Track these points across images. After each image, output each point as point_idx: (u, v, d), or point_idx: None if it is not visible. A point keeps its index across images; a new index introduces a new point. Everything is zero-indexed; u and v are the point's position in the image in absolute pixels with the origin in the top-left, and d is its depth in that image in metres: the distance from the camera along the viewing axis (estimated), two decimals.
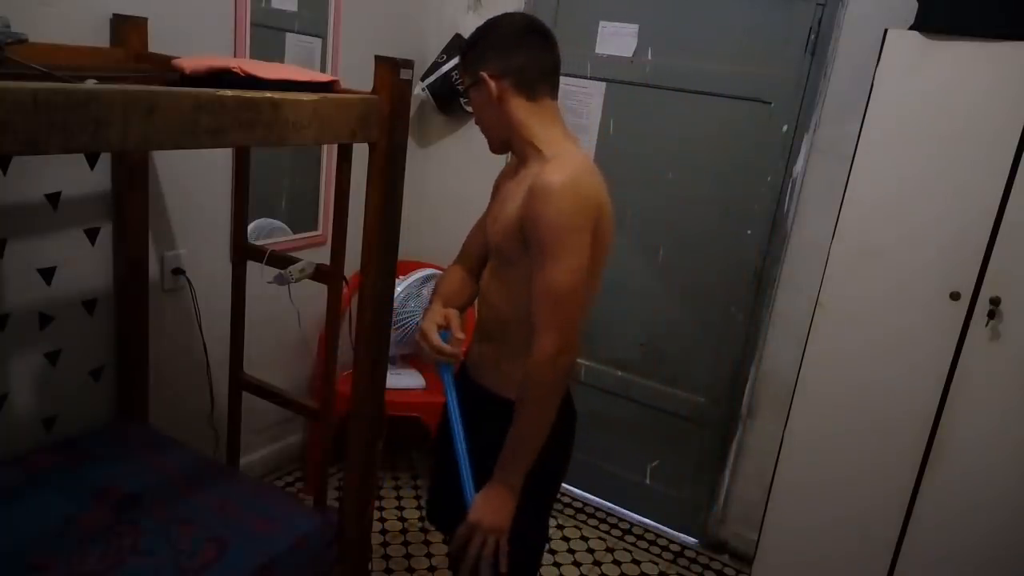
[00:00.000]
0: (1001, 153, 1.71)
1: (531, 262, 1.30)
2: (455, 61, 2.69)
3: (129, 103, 1.01)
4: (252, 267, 1.94)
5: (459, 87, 1.25)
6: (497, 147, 1.46)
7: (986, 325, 1.79)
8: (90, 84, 1.05)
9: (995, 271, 1.76)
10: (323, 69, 2.43)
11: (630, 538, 2.66)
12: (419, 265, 2.75)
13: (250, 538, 1.61)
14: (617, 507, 2.80)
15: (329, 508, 1.88)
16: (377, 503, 2.61)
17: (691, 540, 2.67)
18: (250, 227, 2.17)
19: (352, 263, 1.70)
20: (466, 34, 2.70)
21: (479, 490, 1.38)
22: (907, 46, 1.79)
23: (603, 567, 2.49)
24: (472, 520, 1.35)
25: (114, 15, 1.77)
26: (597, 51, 2.55)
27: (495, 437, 1.37)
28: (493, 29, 1.39)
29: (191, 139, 1.12)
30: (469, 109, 1.86)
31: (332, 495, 2.36)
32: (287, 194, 2.59)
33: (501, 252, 1.41)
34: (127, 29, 1.76)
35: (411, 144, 2.61)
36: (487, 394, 1.47)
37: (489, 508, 1.35)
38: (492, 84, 1.37)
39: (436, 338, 1.45)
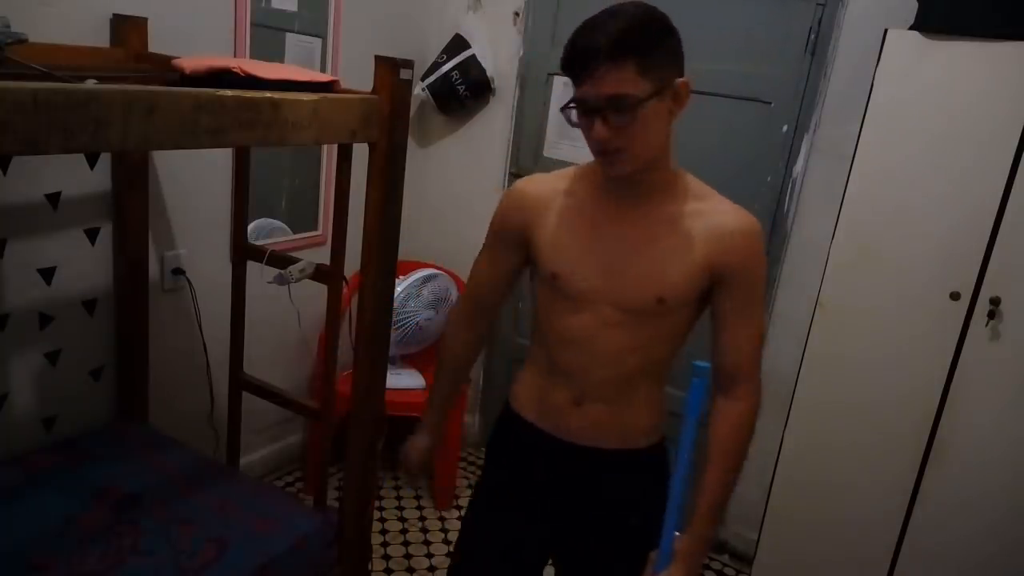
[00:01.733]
0: (1001, 153, 1.71)
1: (724, 304, 1.22)
2: (455, 61, 2.69)
3: (129, 103, 1.01)
4: (252, 267, 1.94)
5: (620, 99, 1.06)
6: (635, 170, 1.15)
7: (986, 325, 1.79)
8: (90, 84, 1.05)
9: (995, 271, 1.76)
10: (323, 69, 2.43)
11: None
12: (419, 265, 2.75)
13: (250, 538, 1.61)
14: None
15: (329, 508, 1.88)
16: (377, 503, 2.61)
17: None
18: (250, 227, 2.17)
19: (352, 263, 1.69)
20: (466, 34, 2.71)
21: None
22: (907, 46, 1.79)
23: None
24: None
25: (114, 15, 1.77)
26: None
27: (632, 492, 1.31)
28: (666, 23, 1.14)
29: (191, 139, 1.12)
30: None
31: (332, 495, 2.36)
32: (287, 194, 2.59)
33: (656, 302, 1.20)
34: (127, 29, 1.76)
35: (411, 144, 2.61)
36: (608, 453, 1.29)
37: (694, 564, 1.23)
38: (686, 94, 1.16)
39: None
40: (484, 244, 1.37)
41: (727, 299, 1.21)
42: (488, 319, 1.43)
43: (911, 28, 1.79)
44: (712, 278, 1.20)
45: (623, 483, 1.30)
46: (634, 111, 1.07)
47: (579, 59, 1.08)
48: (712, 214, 1.21)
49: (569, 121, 1.15)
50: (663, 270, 1.19)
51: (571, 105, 1.13)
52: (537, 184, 1.30)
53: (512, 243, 1.30)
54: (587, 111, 1.10)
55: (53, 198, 1.77)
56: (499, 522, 1.37)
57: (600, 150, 1.12)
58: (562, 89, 2.65)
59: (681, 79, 1.16)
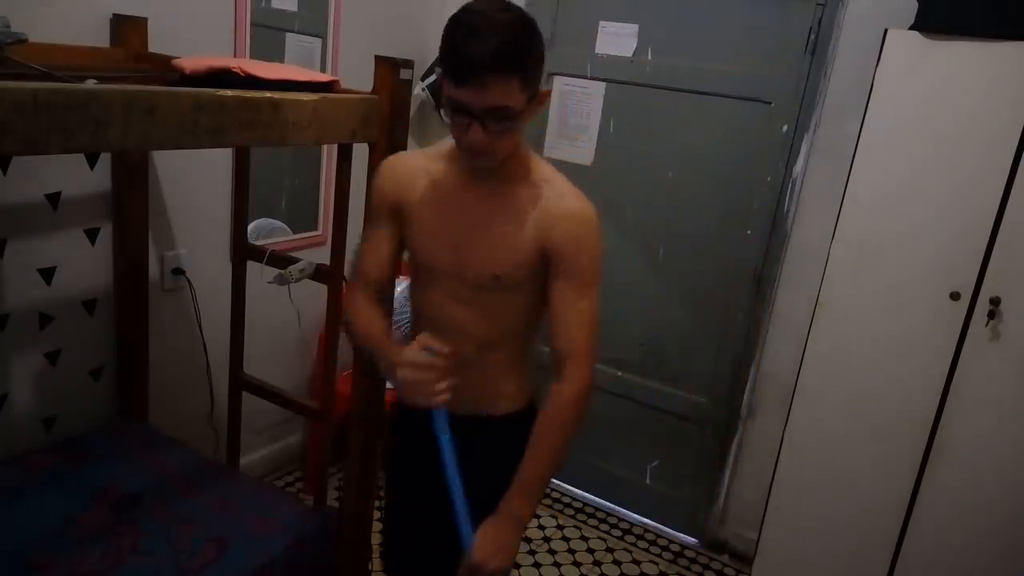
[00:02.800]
0: (1001, 153, 1.71)
1: (554, 287, 1.25)
2: None
3: (129, 103, 1.01)
4: (252, 267, 1.94)
5: (502, 110, 1.13)
6: (499, 165, 1.23)
7: (986, 325, 1.79)
8: (90, 84, 1.05)
9: (995, 271, 1.76)
10: (323, 69, 2.43)
11: (630, 538, 2.66)
12: None
13: (250, 538, 1.61)
14: (617, 507, 2.79)
15: (329, 508, 1.88)
16: (377, 503, 2.61)
17: (691, 540, 2.67)
18: (250, 227, 2.17)
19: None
20: None
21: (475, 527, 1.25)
22: (907, 46, 1.79)
23: (603, 567, 2.49)
24: (478, 560, 1.20)
25: (114, 15, 1.77)
26: (597, 51, 2.55)
27: (493, 454, 1.30)
28: (538, 30, 1.18)
29: (191, 139, 1.12)
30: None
31: (332, 495, 2.36)
32: (287, 194, 2.59)
33: (493, 279, 1.26)
34: (127, 29, 1.76)
35: (411, 144, 2.61)
36: (470, 420, 1.33)
37: (496, 544, 1.22)
38: (547, 99, 1.24)
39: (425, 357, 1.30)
40: (366, 229, 1.37)
41: (557, 282, 1.25)
42: (385, 305, 1.44)
43: (911, 28, 1.78)
44: (544, 260, 1.25)
45: (485, 446, 1.33)
46: (512, 120, 1.15)
47: (464, 67, 1.09)
48: (548, 198, 1.26)
49: (444, 118, 1.18)
50: (498, 249, 1.26)
51: (450, 106, 1.15)
52: (406, 160, 1.36)
53: (392, 218, 1.34)
54: (466, 114, 1.13)
55: (53, 198, 1.77)
56: (407, 485, 1.52)
57: (474, 151, 1.17)
58: (562, 89, 2.65)
59: (546, 88, 1.29)
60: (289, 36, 2.35)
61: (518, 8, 1.15)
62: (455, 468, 1.25)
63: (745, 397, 2.49)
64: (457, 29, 1.09)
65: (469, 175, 1.27)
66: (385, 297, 1.41)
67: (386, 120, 1.49)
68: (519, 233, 1.25)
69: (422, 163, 1.33)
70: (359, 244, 1.38)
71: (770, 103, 2.30)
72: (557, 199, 1.26)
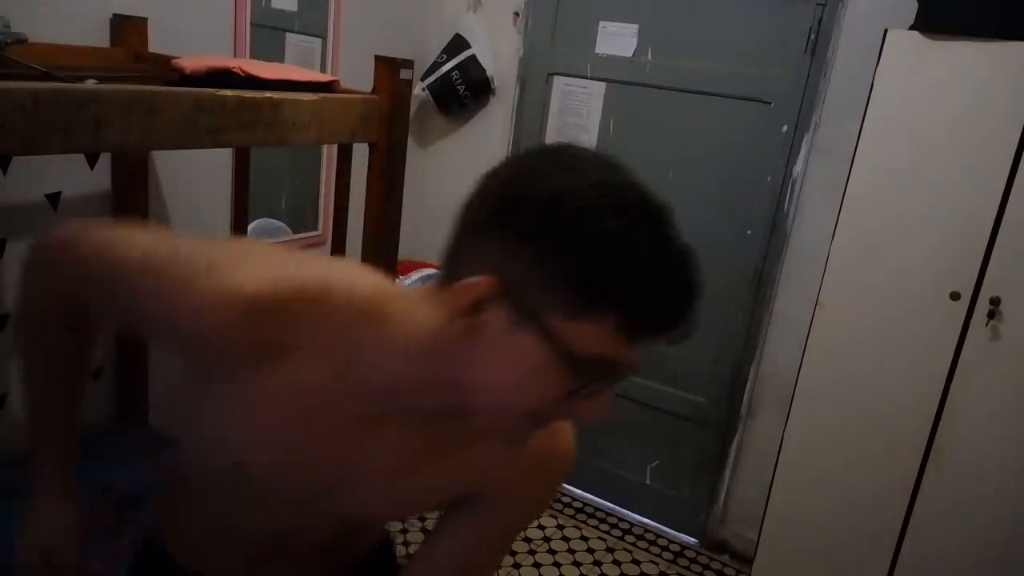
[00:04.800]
0: (1001, 153, 1.71)
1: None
2: (455, 61, 2.69)
3: (129, 103, 1.01)
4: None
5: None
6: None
7: (986, 325, 1.78)
8: (90, 84, 1.05)
9: (995, 271, 1.76)
10: (323, 69, 2.42)
11: (630, 538, 2.66)
12: (419, 265, 2.75)
13: None
14: (617, 507, 2.79)
15: None
16: None
17: (691, 540, 2.67)
18: (250, 227, 2.17)
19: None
20: (466, 34, 2.71)
21: None
22: (907, 46, 1.79)
23: (603, 567, 2.49)
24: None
25: (114, 15, 1.77)
26: (597, 51, 2.55)
27: None
28: None
29: (191, 139, 1.12)
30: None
31: None
32: (287, 194, 2.59)
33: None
34: (127, 29, 1.76)
35: (411, 144, 2.61)
36: None
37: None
38: None
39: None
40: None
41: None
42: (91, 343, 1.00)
43: (911, 28, 1.78)
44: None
45: None
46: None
47: (679, 309, 0.66)
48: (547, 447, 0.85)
49: (576, 399, 0.66)
50: (423, 494, 0.89)
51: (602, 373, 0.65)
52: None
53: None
54: (612, 379, 0.67)
55: (53, 198, 1.77)
56: None
57: (593, 423, 0.70)
58: (562, 89, 2.65)
59: None
60: (289, 36, 2.35)
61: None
62: None
63: (745, 397, 2.49)
64: (653, 237, 0.63)
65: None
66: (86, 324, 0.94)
67: (386, 120, 1.49)
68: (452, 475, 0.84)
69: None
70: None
71: (770, 103, 2.30)
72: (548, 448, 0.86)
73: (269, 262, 0.73)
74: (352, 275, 0.75)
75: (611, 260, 0.59)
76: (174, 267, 0.72)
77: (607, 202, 0.61)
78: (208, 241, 0.76)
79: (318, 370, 0.71)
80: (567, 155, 0.65)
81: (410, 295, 0.75)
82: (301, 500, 0.81)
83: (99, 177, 1.87)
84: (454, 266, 0.66)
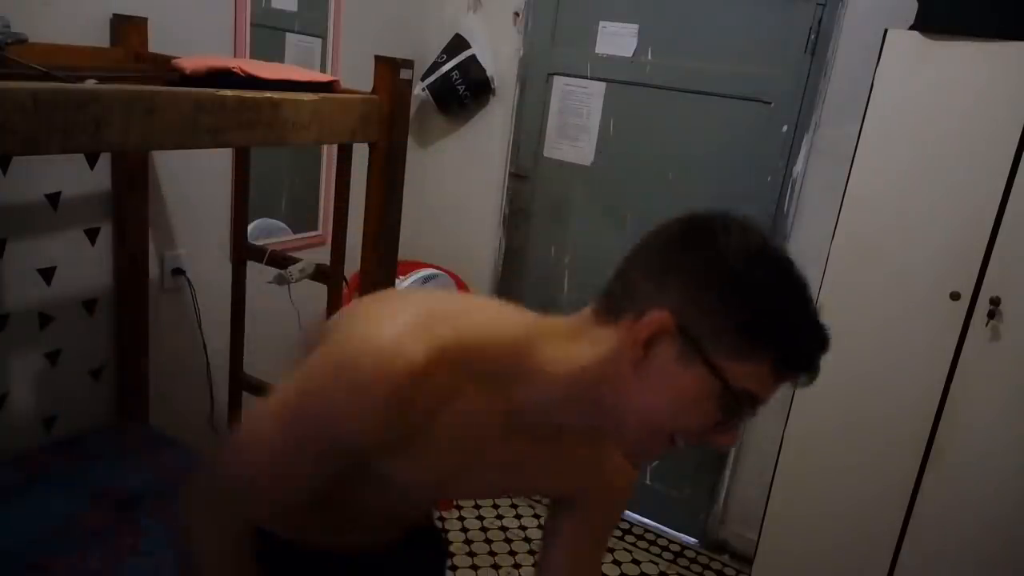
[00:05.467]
0: (1001, 153, 1.71)
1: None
2: (455, 61, 2.69)
3: (129, 103, 1.01)
4: (252, 267, 1.94)
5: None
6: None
7: (986, 325, 1.78)
8: (90, 84, 1.05)
9: (995, 271, 1.76)
10: (323, 69, 2.42)
11: (630, 538, 2.66)
12: (419, 265, 2.74)
13: None
14: None
15: None
16: None
17: (691, 540, 2.67)
18: (250, 227, 2.16)
19: (352, 263, 1.69)
20: (466, 34, 2.72)
21: None
22: (907, 46, 1.79)
23: (603, 567, 2.49)
24: None
25: (114, 15, 1.77)
26: (597, 51, 2.55)
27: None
28: None
29: (191, 139, 1.12)
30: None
31: None
32: (287, 194, 2.59)
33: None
34: (127, 29, 1.76)
35: (411, 144, 2.61)
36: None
37: None
38: None
39: None
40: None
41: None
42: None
43: (911, 28, 1.78)
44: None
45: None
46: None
47: (820, 352, 0.74)
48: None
49: (730, 420, 0.75)
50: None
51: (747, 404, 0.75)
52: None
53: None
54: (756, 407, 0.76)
55: (53, 198, 1.77)
56: None
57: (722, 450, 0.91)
58: (562, 89, 2.65)
59: None
60: (289, 36, 2.35)
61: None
62: None
63: None
64: (805, 298, 0.75)
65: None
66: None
67: (386, 120, 1.49)
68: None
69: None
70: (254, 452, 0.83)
71: (770, 103, 2.30)
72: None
73: (413, 321, 0.75)
74: (490, 314, 0.84)
75: (774, 313, 0.71)
76: (312, 388, 0.76)
77: (771, 266, 0.74)
78: (323, 329, 0.81)
79: (471, 400, 0.77)
80: (733, 219, 0.76)
81: (558, 328, 0.81)
82: (442, 497, 0.98)
83: (99, 177, 1.87)
84: (624, 301, 0.76)
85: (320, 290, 1.79)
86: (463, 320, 0.78)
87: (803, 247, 2.30)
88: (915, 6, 1.78)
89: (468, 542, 2.51)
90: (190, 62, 1.44)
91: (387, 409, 0.71)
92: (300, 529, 0.99)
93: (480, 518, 2.65)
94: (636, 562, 2.53)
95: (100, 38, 1.76)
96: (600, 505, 0.97)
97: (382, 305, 0.81)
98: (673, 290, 0.72)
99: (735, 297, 0.70)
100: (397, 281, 2.16)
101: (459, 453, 0.81)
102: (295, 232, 2.52)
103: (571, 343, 0.78)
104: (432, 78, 2.72)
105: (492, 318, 0.82)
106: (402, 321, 0.74)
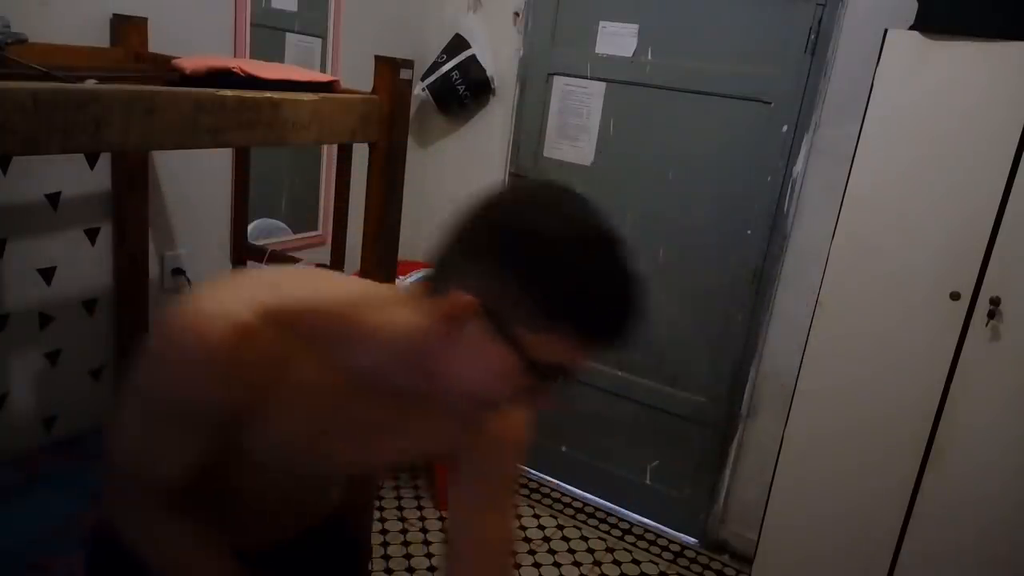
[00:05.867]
0: (1001, 153, 1.71)
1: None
2: (455, 61, 2.69)
3: (129, 103, 1.01)
4: (252, 267, 1.94)
5: None
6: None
7: (986, 325, 1.78)
8: (90, 84, 1.05)
9: (995, 271, 1.76)
10: (323, 69, 2.42)
11: (630, 538, 2.66)
12: (419, 265, 2.74)
13: None
14: (617, 507, 2.79)
15: None
16: (377, 503, 2.61)
17: (691, 540, 2.67)
18: (250, 227, 2.17)
19: (352, 263, 1.69)
20: (466, 34, 2.72)
21: None
22: (907, 46, 1.79)
23: (603, 567, 2.49)
24: None
25: (114, 15, 1.77)
26: (597, 51, 2.55)
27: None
28: None
29: (191, 139, 1.12)
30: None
31: None
32: (287, 194, 2.59)
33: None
34: (127, 29, 1.76)
35: (411, 144, 2.61)
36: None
37: None
38: None
39: None
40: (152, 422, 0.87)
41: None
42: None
43: (911, 28, 1.78)
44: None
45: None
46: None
47: (630, 322, 0.77)
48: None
49: (510, 378, 0.78)
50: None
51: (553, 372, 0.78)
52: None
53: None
54: (559, 377, 0.80)
55: (53, 198, 1.77)
56: None
57: (530, 407, 0.93)
58: (562, 89, 2.65)
59: None
60: (289, 36, 2.35)
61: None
62: None
63: (745, 397, 2.49)
64: (608, 266, 0.75)
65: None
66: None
67: (386, 120, 1.49)
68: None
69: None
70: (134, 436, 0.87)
71: (770, 103, 2.30)
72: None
73: (239, 291, 0.80)
74: (323, 282, 0.88)
75: (572, 288, 0.72)
76: (149, 363, 0.80)
77: (573, 240, 0.73)
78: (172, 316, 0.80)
79: (310, 369, 0.81)
80: (545, 194, 0.79)
81: (387, 297, 0.86)
82: (311, 475, 0.97)
83: (99, 177, 1.87)
84: (442, 278, 0.78)
85: None
86: (291, 287, 0.83)
87: (803, 247, 2.30)
88: (915, 6, 1.78)
89: None
90: (190, 62, 1.44)
91: (220, 365, 0.75)
92: (203, 524, 0.97)
93: None
94: (636, 562, 2.53)
95: (100, 38, 1.76)
96: (490, 460, 0.99)
97: (211, 283, 0.84)
98: (478, 269, 0.75)
99: (533, 275, 0.72)
100: (397, 281, 2.16)
101: (312, 417, 0.85)
102: (295, 232, 2.52)
103: (399, 310, 0.82)
104: (432, 78, 2.72)
105: (325, 286, 0.86)
106: (225, 290, 0.80)
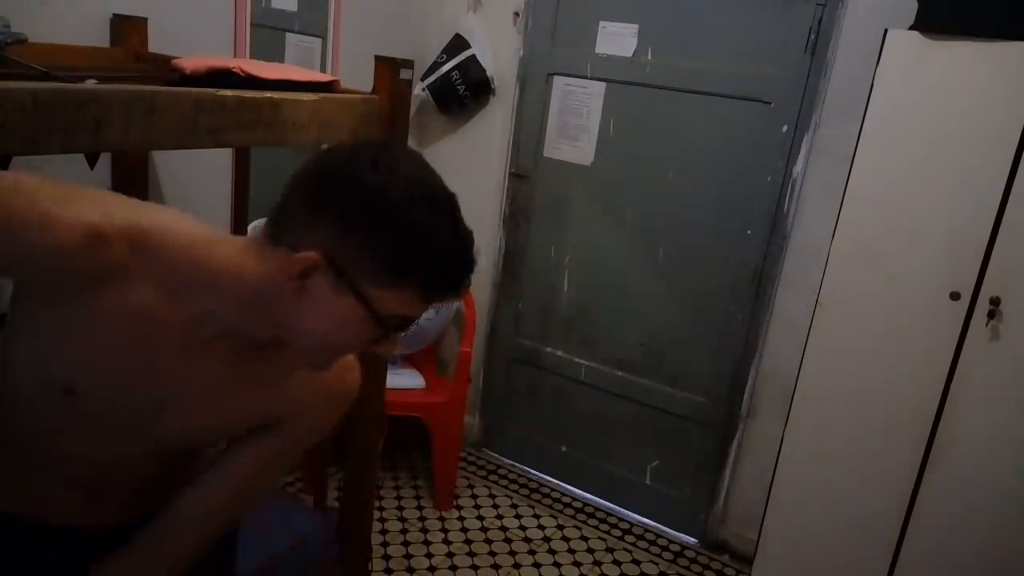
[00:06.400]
0: (1001, 153, 1.71)
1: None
2: (455, 61, 2.69)
3: (129, 103, 1.01)
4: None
5: None
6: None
7: (986, 325, 1.78)
8: (90, 84, 1.05)
9: (995, 271, 1.76)
10: (323, 69, 2.42)
11: (630, 538, 2.66)
12: None
13: (250, 538, 1.60)
14: (617, 507, 2.79)
15: (329, 508, 1.88)
16: (377, 503, 2.61)
17: (691, 540, 2.67)
18: (250, 227, 2.16)
19: None
20: (466, 34, 2.72)
21: None
22: (907, 46, 1.79)
23: (603, 567, 2.49)
24: None
25: (114, 15, 1.77)
26: (597, 51, 2.55)
27: None
28: None
29: (191, 139, 1.12)
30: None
31: (332, 495, 2.36)
32: None
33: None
34: (127, 29, 1.76)
35: (411, 144, 2.61)
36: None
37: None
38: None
39: None
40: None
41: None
42: None
43: (911, 28, 1.78)
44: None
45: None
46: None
47: (465, 276, 0.85)
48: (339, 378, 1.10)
49: (380, 333, 0.85)
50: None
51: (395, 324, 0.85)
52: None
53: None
54: (406, 325, 0.87)
55: None
56: None
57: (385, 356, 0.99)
58: (562, 89, 2.65)
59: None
60: (289, 36, 2.35)
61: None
62: None
63: (745, 397, 2.49)
64: (449, 225, 0.82)
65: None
66: None
67: (386, 120, 1.49)
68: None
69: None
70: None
71: (770, 103, 2.30)
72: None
73: (110, 202, 0.83)
74: (180, 219, 0.86)
75: (415, 245, 0.79)
76: (33, 195, 0.80)
77: (414, 199, 0.79)
78: (63, 183, 0.83)
79: (147, 296, 0.82)
80: (386, 154, 0.84)
81: (235, 243, 0.87)
82: (126, 424, 0.90)
83: (99, 177, 1.86)
84: (284, 229, 0.82)
85: None
86: (153, 212, 0.85)
87: (803, 247, 2.30)
88: (915, 6, 1.78)
89: (468, 542, 2.51)
90: (190, 62, 1.44)
91: (57, 248, 0.76)
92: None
93: (480, 518, 2.65)
94: (636, 562, 2.53)
95: (100, 38, 1.76)
96: (293, 431, 1.02)
97: (72, 189, 0.86)
98: (324, 225, 0.79)
99: (379, 234, 0.78)
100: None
101: (133, 348, 0.83)
102: None
103: (242, 256, 0.84)
104: (432, 78, 2.72)
105: (186, 222, 0.87)
106: (86, 197, 0.82)
